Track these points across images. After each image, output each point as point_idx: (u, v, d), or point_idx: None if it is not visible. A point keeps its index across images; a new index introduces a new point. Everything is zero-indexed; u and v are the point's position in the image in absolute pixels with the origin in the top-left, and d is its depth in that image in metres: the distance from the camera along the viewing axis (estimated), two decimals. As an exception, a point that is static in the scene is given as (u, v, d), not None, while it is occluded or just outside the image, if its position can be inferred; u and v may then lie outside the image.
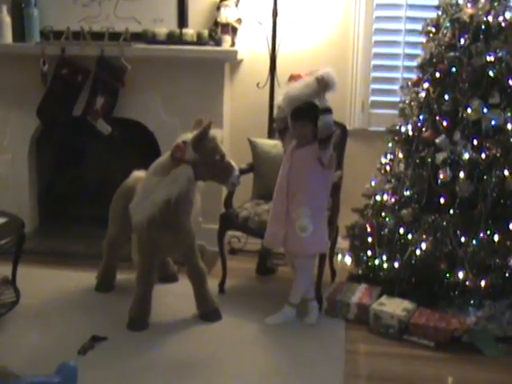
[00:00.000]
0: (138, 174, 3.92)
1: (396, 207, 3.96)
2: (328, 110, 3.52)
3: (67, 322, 3.69)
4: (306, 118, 3.57)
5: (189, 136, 3.51)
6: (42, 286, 4.16)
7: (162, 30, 4.67)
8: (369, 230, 4.12)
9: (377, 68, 4.79)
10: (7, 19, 4.77)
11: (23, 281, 3.96)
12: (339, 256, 4.37)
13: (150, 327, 3.64)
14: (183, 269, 3.89)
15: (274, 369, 3.28)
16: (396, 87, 4.68)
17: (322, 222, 3.68)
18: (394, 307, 3.65)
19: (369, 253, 4.08)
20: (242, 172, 4.14)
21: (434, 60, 3.88)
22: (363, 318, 3.75)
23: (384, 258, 3.96)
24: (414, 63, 4.23)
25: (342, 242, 4.40)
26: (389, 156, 4.18)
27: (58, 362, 3.00)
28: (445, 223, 3.71)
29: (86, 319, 3.72)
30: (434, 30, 3.96)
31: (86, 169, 5.39)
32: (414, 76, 4.23)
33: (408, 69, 4.62)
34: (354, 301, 3.80)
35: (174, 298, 4.03)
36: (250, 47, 4.82)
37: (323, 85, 3.50)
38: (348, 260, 4.34)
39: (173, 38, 4.66)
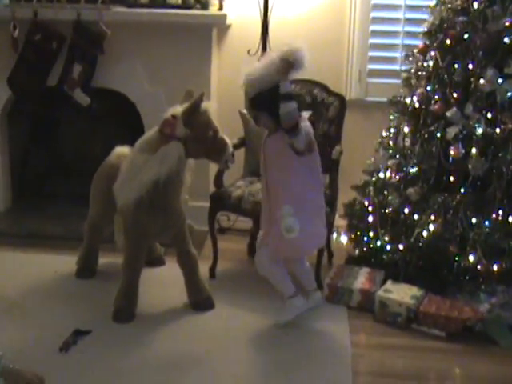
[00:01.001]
0: (121, 150, 3.61)
1: (401, 185, 3.69)
2: (288, 97, 3.05)
3: (46, 313, 3.39)
4: (260, 108, 3.16)
5: (178, 110, 3.20)
6: (17, 272, 3.85)
7: (144, -8, 4.32)
8: (370, 209, 3.85)
9: (375, 34, 4.47)
10: (-27, -21, 4.37)
11: None
12: (334, 235, 4.11)
13: (136, 318, 3.35)
14: (170, 251, 3.63)
15: (273, 365, 3.02)
16: (396, 54, 4.42)
17: (310, 214, 3.22)
18: (402, 294, 3.40)
19: (370, 234, 3.81)
20: (234, 147, 3.84)
21: (445, 25, 3.58)
22: (367, 305, 3.49)
23: (386, 239, 3.71)
24: (417, 29, 3.95)
25: (339, 221, 4.13)
26: (392, 130, 3.88)
27: (37, 361, 2.74)
28: (455, 203, 3.45)
29: (67, 310, 3.42)
30: (444, -9, 3.65)
31: (63, 143, 5.05)
32: (416, 42, 3.96)
33: (409, 35, 4.34)
34: (357, 287, 3.54)
35: (162, 284, 3.74)
36: (239, 11, 4.48)
37: (287, 65, 3.03)
38: (344, 239, 4.09)
39: (156, 1, 4.33)
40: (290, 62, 3.03)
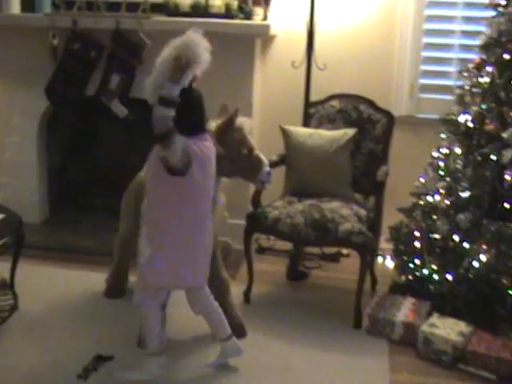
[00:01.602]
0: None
1: (451, 211, 3.42)
2: (165, 102, 2.58)
3: (68, 335, 3.24)
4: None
5: (212, 125, 3.00)
6: (46, 287, 3.73)
7: (185, 1, 4.22)
8: (417, 234, 3.59)
9: (428, 47, 4.24)
10: (15, -13, 4.30)
11: (25, 281, 3.57)
12: (380, 259, 3.87)
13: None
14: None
15: (306, 404, 2.80)
16: (451, 69, 4.17)
17: (171, 248, 2.78)
18: (448, 330, 3.13)
19: (416, 261, 3.55)
20: (273, 165, 3.71)
21: (503, 39, 3.31)
22: (410, 340, 3.23)
23: (434, 267, 3.45)
24: (473, 42, 3.70)
25: (384, 244, 3.89)
26: (442, 150, 3.62)
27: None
28: (510, 232, 3.17)
29: (91, 332, 3.26)
30: (504, 2, 3.37)
31: (101, 154, 4.94)
32: (472, 56, 3.70)
33: (465, 48, 4.10)
34: (400, 319, 3.28)
35: (193, 307, 3.55)
36: (284, 21, 4.29)
37: (178, 65, 2.65)
38: (390, 264, 3.83)
39: (198, 10, 4.19)
40: (181, 62, 2.66)
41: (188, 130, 2.71)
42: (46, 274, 3.92)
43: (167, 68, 2.67)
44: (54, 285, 3.77)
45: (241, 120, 3.02)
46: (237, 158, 3.00)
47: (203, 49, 2.74)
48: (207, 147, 2.77)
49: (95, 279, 3.77)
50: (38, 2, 4.34)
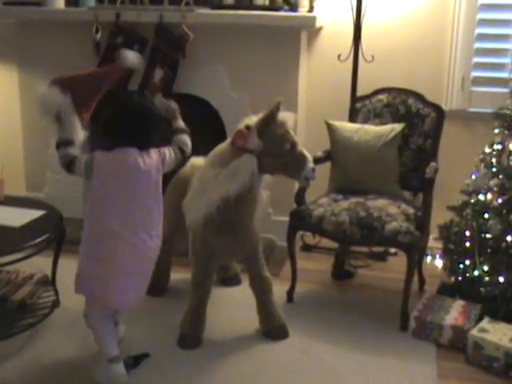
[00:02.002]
0: (196, 161, 3.37)
1: (504, 210, 3.27)
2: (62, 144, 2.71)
3: (108, 333, 3.19)
4: None
5: (254, 120, 2.92)
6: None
7: (229, -7, 4.11)
8: (467, 233, 3.44)
9: (482, 37, 4.06)
10: (59, -19, 4.28)
11: (67, 277, 3.37)
12: (428, 258, 3.73)
13: (203, 344, 3.11)
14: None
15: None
16: (505, 60, 4.02)
17: (90, 257, 2.71)
18: (500, 335, 2.98)
19: (467, 261, 3.41)
20: (318, 161, 3.61)
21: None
22: (459, 344, 3.10)
23: (485, 268, 3.30)
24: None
25: (433, 243, 3.76)
26: (495, 146, 3.46)
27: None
28: None
29: (131, 330, 3.20)
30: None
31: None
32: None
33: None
34: (448, 322, 3.15)
35: (235, 306, 3.49)
36: (330, 13, 4.17)
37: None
38: (439, 264, 3.69)
39: (242, 3, 4.12)
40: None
41: (113, 140, 2.65)
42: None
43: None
44: (95, 281, 3.75)
45: (283, 114, 2.92)
46: (279, 154, 2.90)
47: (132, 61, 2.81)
48: (144, 162, 2.65)
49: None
50: (82, -5, 4.31)
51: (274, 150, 2.90)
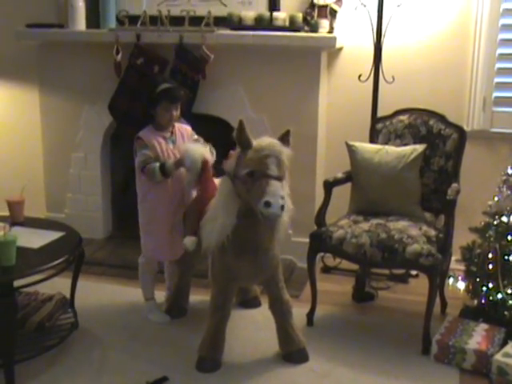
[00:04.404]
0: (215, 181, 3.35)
1: (528, 232, 3.22)
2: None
3: (125, 355, 3.18)
4: None
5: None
6: (106, 305, 3.72)
7: (249, 14, 4.13)
8: (490, 255, 3.39)
9: (503, 57, 4.02)
10: (80, 4, 4.31)
11: (85, 298, 3.59)
12: (451, 280, 3.67)
13: (222, 367, 3.08)
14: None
15: None
16: (527, 81, 3.94)
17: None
18: (525, 360, 2.92)
19: (490, 284, 3.36)
20: (338, 182, 3.62)
21: None
22: (483, 369, 3.04)
23: (509, 291, 3.26)
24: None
25: (455, 265, 3.71)
26: (519, 167, 3.43)
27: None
28: None
29: (149, 352, 3.20)
30: None
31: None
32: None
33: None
34: (472, 346, 3.09)
35: (255, 328, 3.46)
36: (351, 33, 4.17)
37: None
38: (461, 286, 3.63)
39: (262, 23, 4.10)
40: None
41: None
42: (106, 291, 3.90)
43: None
44: (114, 302, 3.74)
45: (266, 140, 2.86)
46: (242, 179, 2.80)
47: None
48: None
49: (156, 297, 3.68)
50: (103, 17, 4.34)
51: (239, 174, 2.82)
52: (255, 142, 2.85)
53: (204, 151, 3.27)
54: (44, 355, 3.04)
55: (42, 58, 4.53)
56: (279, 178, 2.75)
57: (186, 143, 3.36)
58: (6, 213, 3.45)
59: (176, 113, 3.36)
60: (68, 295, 3.41)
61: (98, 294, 3.82)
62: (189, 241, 3.16)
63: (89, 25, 4.38)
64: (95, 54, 4.35)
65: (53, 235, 3.24)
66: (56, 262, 2.98)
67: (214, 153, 3.36)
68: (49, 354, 3.07)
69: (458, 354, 3.10)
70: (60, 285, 3.41)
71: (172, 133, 3.40)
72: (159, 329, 3.46)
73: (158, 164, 3.26)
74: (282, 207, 2.68)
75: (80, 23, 4.33)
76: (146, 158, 3.29)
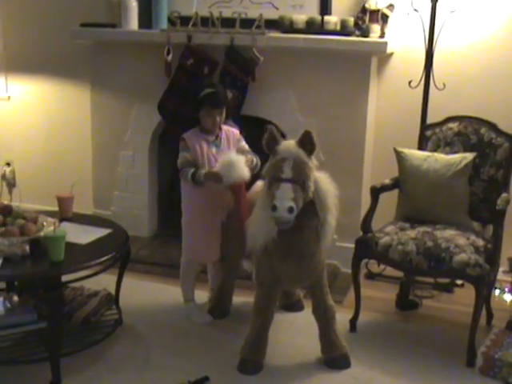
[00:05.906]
0: (261, 184, 3.35)
1: None
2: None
3: (167, 355, 3.20)
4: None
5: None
6: (150, 303, 3.76)
7: (300, 17, 4.12)
8: (540, 268, 3.33)
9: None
10: (133, 4, 4.36)
11: (129, 295, 3.61)
12: (497, 291, 3.61)
13: (263, 370, 3.08)
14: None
15: None
16: None
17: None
18: None
19: (538, 297, 3.30)
20: (385, 188, 3.59)
21: None
22: (529, 383, 2.98)
23: (558, 305, 3.19)
24: None
25: (502, 276, 3.66)
26: None
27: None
28: None
29: (191, 352, 3.22)
30: None
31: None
32: None
33: None
34: (518, 360, 3.04)
35: (297, 332, 3.45)
36: (402, 38, 4.13)
37: None
38: (508, 298, 3.58)
39: (313, 27, 4.09)
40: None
41: None
42: (150, 288, 3.94)
43: None
44: (158, 300, 3.78)
45: (288, 146, 2.84)
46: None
47: None
48: None
49: (200, 297, 3.70)
50: (155, 18, 4.37)
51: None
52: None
53: (241, 173, 3.17)
54: (88, 350, 3.07)
55: (95, 56, 4.60)
56: (292, 181, 2.75)
57: (229, 156, 3.23)
58: (56, 208, 3.51)
59: (220, 118, 3.34)
60: (113, 292, 3.45)
61: (142, 291, 3.86)
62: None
63: (141, 25, 4.42)
64: (146, 54, 4.39)
65: (100, 232, 3.28)
66: (103, 258, 3.02)
67: (259, 163, 3.32)
68: (93, 350, 3.10)
69: (504, 368, 3.04)
70: (105, 281, 3.45)
71: (217, 136, 3.40)
72: (202, 328, 3.47)
73: (192, 170, 3.26)
74: (291, 209, 2.68)
75: (133, 23, 4.38)
76: (184, 161, 3.31)
